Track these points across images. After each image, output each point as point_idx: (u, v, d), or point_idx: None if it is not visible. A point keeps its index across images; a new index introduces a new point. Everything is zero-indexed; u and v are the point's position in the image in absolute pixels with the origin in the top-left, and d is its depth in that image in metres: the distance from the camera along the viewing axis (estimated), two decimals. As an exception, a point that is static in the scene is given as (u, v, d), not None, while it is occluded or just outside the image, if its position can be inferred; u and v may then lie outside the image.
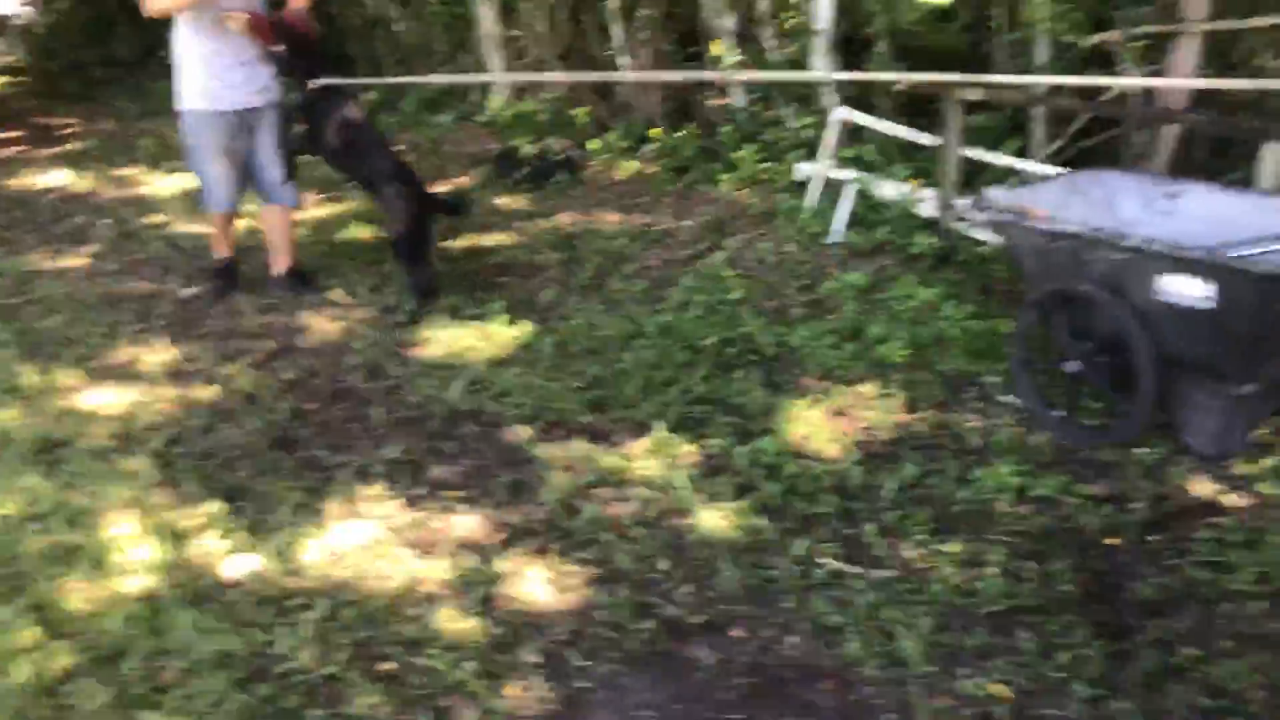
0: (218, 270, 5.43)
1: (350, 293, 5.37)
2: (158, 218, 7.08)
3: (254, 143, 5.06)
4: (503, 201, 6.92)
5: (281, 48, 4.87)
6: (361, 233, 6.36)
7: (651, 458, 3.70)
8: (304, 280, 5.38)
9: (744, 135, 6.58)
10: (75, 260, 6.24)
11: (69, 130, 10.48)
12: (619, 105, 7.77)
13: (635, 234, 6.03)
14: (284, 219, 5.32)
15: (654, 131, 6.84)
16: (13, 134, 10.44)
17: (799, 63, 6.40)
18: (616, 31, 7.53)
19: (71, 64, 12.95)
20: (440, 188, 7.15)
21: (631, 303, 5.11)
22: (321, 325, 5.08)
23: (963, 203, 4.62)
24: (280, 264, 5.39)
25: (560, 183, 7.03)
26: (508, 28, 8.43)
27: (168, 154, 8.75)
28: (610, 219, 6.39)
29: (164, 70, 11.55)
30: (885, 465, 3.59)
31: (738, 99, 7.01)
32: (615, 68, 7.70)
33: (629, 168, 7.10)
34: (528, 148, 7.32)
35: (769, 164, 6.28)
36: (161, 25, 11.33)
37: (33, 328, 5.14)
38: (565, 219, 6.45)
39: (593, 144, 7.21)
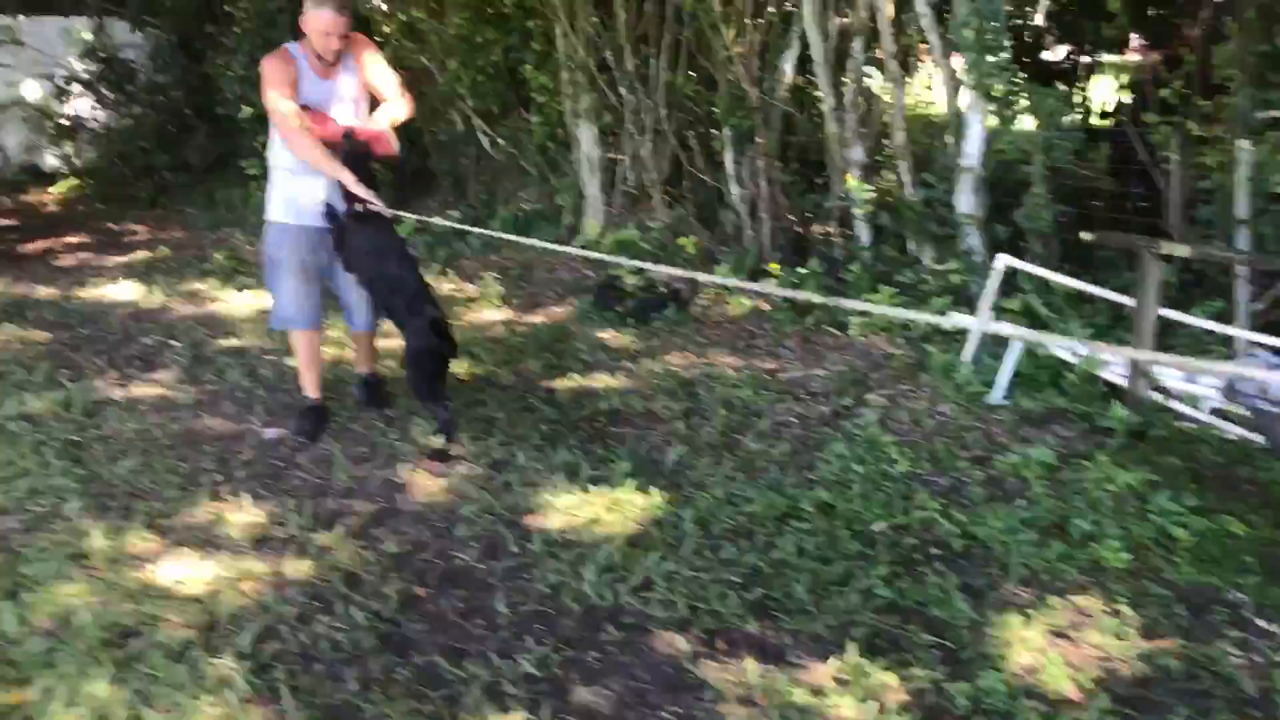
0: (305, 412, 5.00)
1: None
2: (234, 341, 6.58)
3: (337, 266, 4.78)
4: (606, 336, 6.38)
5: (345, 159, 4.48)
6: (458, 367, 5.79)
7: (845, 691, 3.03)
8: (378, 393, 5.19)
9: (875, 276, 6.01)
10: (147, 389, 5.71)
11: (138, 238, 10.13)
12: (728, 234, 7.24)
13: (760, 382, 5.46)
14: (365, 339, 5.16)
15: (773, 267, 6.28)
16: (80, 239, 10.11)
17: (943, 201, 5.84)
18: (727, 158, 7.04)
19: (143, 169, 12.71)
20: (535, 318, 6.65)
21: (775, 468, 4.49)
22: (424, 483, 4.49)
23: (1192, 383, 3.98)
24: (362, 367, 5.26)
25: (668, 318, 6.48)
26: (608, 150, 7.98)
27: (242, 268, 8.35)
28: (728, 363, 5.82)
29: (238, 178, 11.42)
30: (1145, 717, 2.89)
31: (864, 235, 6.47)
32: (724, 196, 7.21)
33: (743, 305, 6.54)
34: (631, 278, 6.78)
35: (908, 308, 5.68)
36: (236, 133, 11.19)
37: (101, 474, 4.57)
38: (677, 360, 5.89)
39: (703, 278, 6.64)
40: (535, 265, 8.02)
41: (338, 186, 4.48)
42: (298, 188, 4.60)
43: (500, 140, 8.90)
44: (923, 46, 6.44)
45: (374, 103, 4.71)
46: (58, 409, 5.34)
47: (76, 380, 5.84)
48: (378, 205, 4.49)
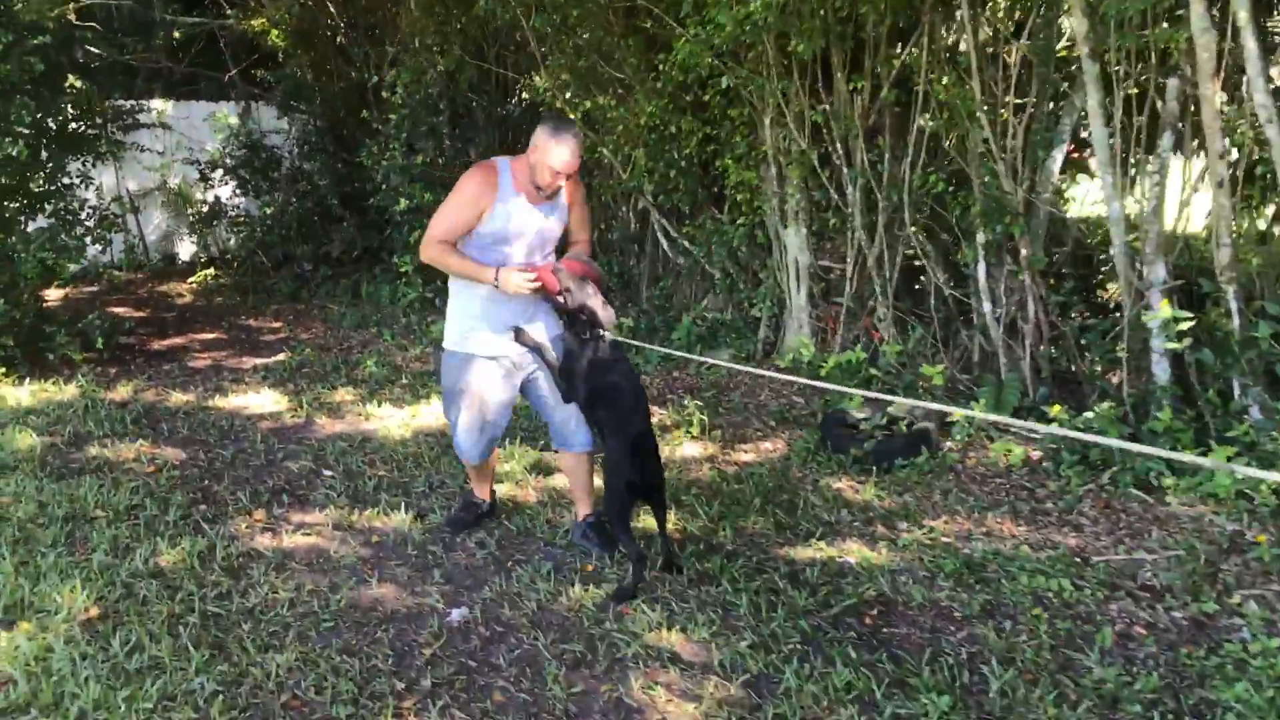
0: (467, 506, 4.85)
1: (682, 631, 3.65)
2: (393, 472, 5.57)
3: (538, 386, 4.38)
4: (842, 487, 5.20)
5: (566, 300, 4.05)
6: (693, 523, 4.68)
7: None
8: (604, 535, 4.51)
9: (1196, 428, 4.73)
10: (300, 539, 4.71)
11: (278, 336, 9.33)
12: (973, 363, 6.04)
13: (1071, 567, 4.20)
14: (582, 464, 4.53)
15: (1054, 408, 5.03)
16: (217, 336, 9.36)
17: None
18: (979, 270, 5.87)
19: (283, 259, 12.08)
20: (744, 455, 5.51)
21: (1147, 712, 3.22)
22: (667, 708, 3.32)
23: None
24: (581, 510, 4.61)
25: (917, 466, 5.28)
26: (820, 255, 6.88)
27: (393, 377, 7.41)
28: (1015, 534, 4.59)
29: (386, 274, 10.64)
30: None
31: (1161, 374, 5.20)
32: (971, 316, 6.02)
33: (1012, 452, 5.30)
34: (859, 412, 5.60)
35: (1247, 467, 4.38)
36: (385, 226, 10.42)
37: (251, 673, 3.52)
38: (946, 526, 4.68)
39: (957, 414, 5.44)
40: (729, 387, 6.91)
41: (542, 313, 4.19)
42: (488, 317, 4.21)
43: (685, 242, 7.87)
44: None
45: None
46: (195, 563, 4.36)
47: (217, 521, 4.87)
48: (606, 328, 4.05)
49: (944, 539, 4.57)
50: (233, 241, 12.37)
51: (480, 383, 4.26)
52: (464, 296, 4.23)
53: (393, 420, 6.56)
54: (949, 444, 5.60)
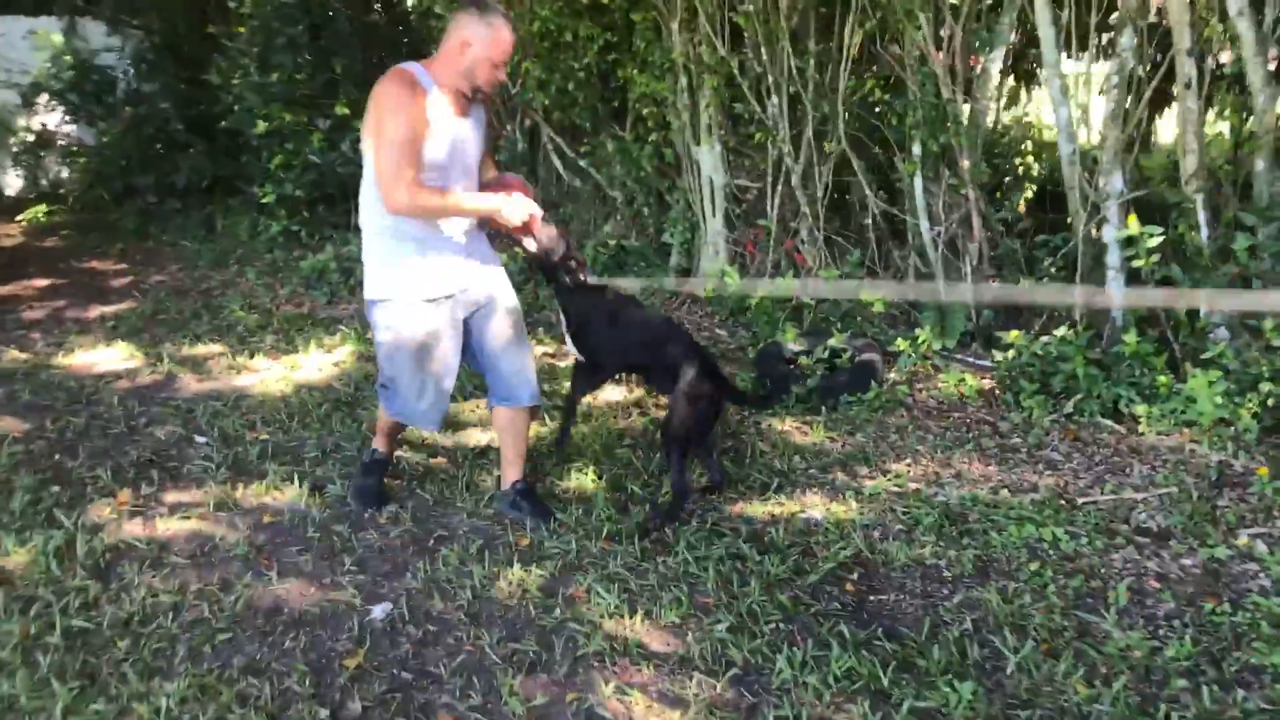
0: (370, 467, 4.09)
1: (647, 616, 3.15)
2: (277, 435, 4.87)
3: (484, 330, 3.71)
4: (790, 430, 4.72)
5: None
6: (634, 481, 4.14)
7: None
8: (537, 502, 3.96)
9: (1155, 343, 4.41)
10: (179, 524, 4.01)
11: (126, 280, 8.33)
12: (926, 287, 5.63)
13: (1060, 511, 3.82)
14: (522, 420, 3.89)
15: (1014, 335, 4.64)
16: (53, 283, 8.31)
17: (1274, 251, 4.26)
18: (916, 185, 5.41)
19: (124, 192, 10.93)
20: None
21: (1192, 685, 2.86)
22: (643, 714, 2.82)
23: None
24: (510, 474, 3.97)
25: (866, 402, 4.83)
26: (734, 174, 6.33)
27: (263, 323, 6.62)
28: (986, 476, 4.20)
29: (246, 205, 9.64)
30: None
31: (1117, 288, 4.86)
32: (902, 234, 5.59)
33: (963, 383, 4.91)
34: (798, 344, 5.13)
35: (1240, 400, 4.09)
36: (241, 151, 9.44)
37: (134, 709, 2.86)
38: (911, 470, 4.26)
39: (900, 344, 5.02)
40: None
41: (477, 257, 3.62)
42: (433, 250, 3.48)
43: (583, 163, 7.21)
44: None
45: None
46: (52, 564, 3.63)
47: (74, 507, 4.12)
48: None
49: (913, 485, 4.15)
50: (66, 174, 11.10)
51: (428, 332, 3.55)
52: (390, 237, 3.45)
53: (270, 374, 5.81)
54: (893, 375, 5.16)
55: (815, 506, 4.03)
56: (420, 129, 3.21)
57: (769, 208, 6.16)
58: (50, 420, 5.20)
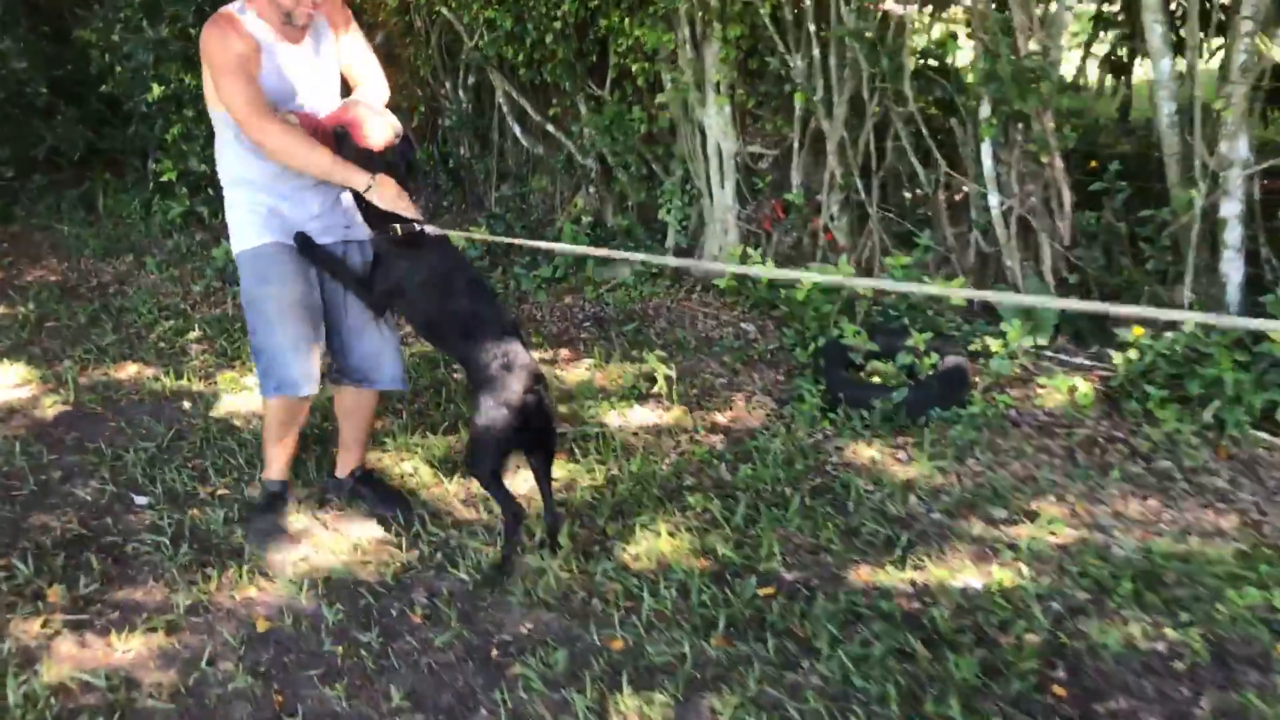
0: (271, 500, 3.61)
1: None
2: (239, 486, 3.85)
3: (340, 300, 3.43)
4: (877, 456, 3.89)
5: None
6: (713, 535, 3.27)
7: None
8: (385, 488, 3.73)
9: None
10: (140, 641, 3.01)
11: (-4, 276, 6.98)
12: (980, 268, 4.84)
13: (1274, 565, 3.10)
14: (371, 403, 3.65)
15: (1137, 332, 3.90)
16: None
17: None
18: (985, 153, 4.61)
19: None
20: (721, 417, 4.13)
21: None
22: None
23: None
24: (349, 460, 3.73)
25: (962, 419, 4.03)
26: (748, 139, 5.42)
27: (181, 328, 5.50)
28: (1150, 513, 3.48)
29: (135, 183, 8.23)
30: None
31: (1234, 274, 4.16)
32: (974, 209, 4.79)
33: (1075, 390, 4.16)
34: (864, 344, 4.31)
35: None
36: (111, 117, 8.07)
37: None
38: (1055, 510, 3.49)
39: (992, 344, 4.24)
40: (648, 314, 5.43)
41: (328, 204, 3.37)
42: (279, 195, 3.31)
43: (551, 127, 6.21)
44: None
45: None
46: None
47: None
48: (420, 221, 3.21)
49: (1071, 532, 3.37)
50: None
51: (294, 280, 3.27)
52: (241, 185, 3.32)
53: (207, 398, 4.71)
54: (977, 380, 4.38)
55: (965, 570, 3.22)
56: (250, 63, 3.07)
57: (792, 179, 5.27)
58: (-69, 482, 4.04)
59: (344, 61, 3.37)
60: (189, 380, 4.99)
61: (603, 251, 3.47)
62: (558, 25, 5.59)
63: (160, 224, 7.48)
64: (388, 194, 3.11)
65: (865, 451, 3.97)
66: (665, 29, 5.28)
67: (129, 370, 5.19)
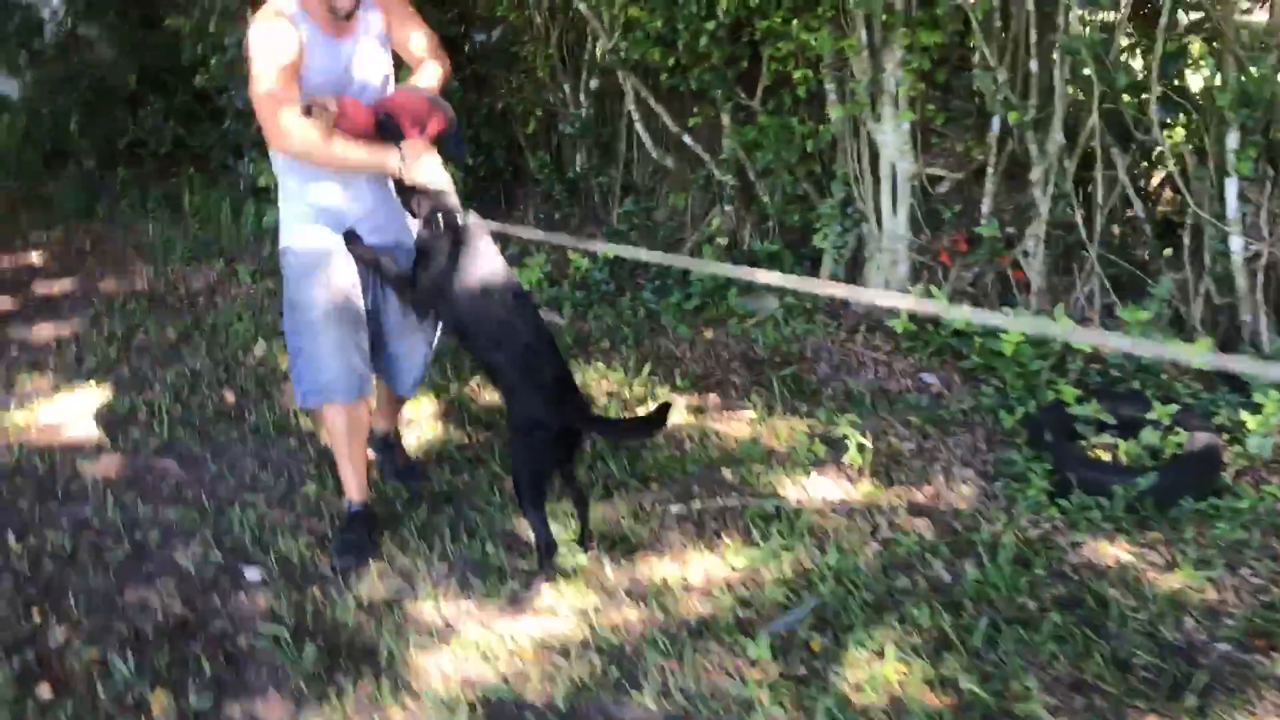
0: (351, 522, 3.41)
1: None
2: (389, 547, 3.27)
3: (381, 300, 3.33)
4: (1124, 557, 3.22)
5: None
6: (950, 664, 2.64)
7: None
8: (402, 458, 3.80)
9: None
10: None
11: (73, 282, 6.50)
12: (1210, 318, 4.14)
13: None
14: (399, 400, 3.72)
15: None
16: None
17: None
18: (1229, 188, 3.91)
19: (54, 154, 9.00)
20: (920, 496, 3.47)
21: None
22: None
23: None
24: (382, 425, 3.76)
25: (1218, 511, 3.34)
26: (927, 159, 4.76)
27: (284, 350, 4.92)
28: None
29: (226, 182, 7.67)
30: None
31: None
32: (1208, 254, 4.10)
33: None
34: (1092, 409, 3.63)
35: None
36: (203, 111, 7.55)
37: None
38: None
39: (1251, 421, 3.54)
40: (807, 357, 4.78)
41: (381, 199, 3.24)
42: (322, 194, 3.17)
43: (688, 138, 5.59)
44: None
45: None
46: None
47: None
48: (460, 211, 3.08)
49: None
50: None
51: (338, 280, 3.17)
52: (292, 174, 3.19)
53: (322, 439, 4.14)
54: (1232, 463, 3.68)
55: (1284, 728, 2.54)
56: (292, 57, 2.92)
57: (981, 206, 4.60)
58: (14, 537, 3.51)
59: (396, 43, 3.28)
60: (292, 416, 4.42)
61: (772, 276, 2.90)
62: (710, 26, 4.95)
63: (252, 228, 6.95)
64: (418, 160, 3.01)
65: (1109, 550, 3.30)
66: (839, 33, 4.62)
67: (227, 399, 4.64)
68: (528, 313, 3.12)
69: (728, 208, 5.70)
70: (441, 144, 3.09)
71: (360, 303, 3.23)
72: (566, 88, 6.47)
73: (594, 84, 6.32)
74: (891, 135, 4.73)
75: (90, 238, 7.49)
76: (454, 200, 3.12)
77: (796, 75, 4.93)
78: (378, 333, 3.36)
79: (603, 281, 5.59)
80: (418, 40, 3.28)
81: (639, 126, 5.95)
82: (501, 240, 3.43)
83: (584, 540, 3.29)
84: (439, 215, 3.05)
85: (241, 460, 4.09)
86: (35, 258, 7.01)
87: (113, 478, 3.99)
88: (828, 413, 4.12)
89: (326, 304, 3.15)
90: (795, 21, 4.79)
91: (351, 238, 3.17)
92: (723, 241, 5.57)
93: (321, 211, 3.19)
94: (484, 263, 3.08)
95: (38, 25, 8.66)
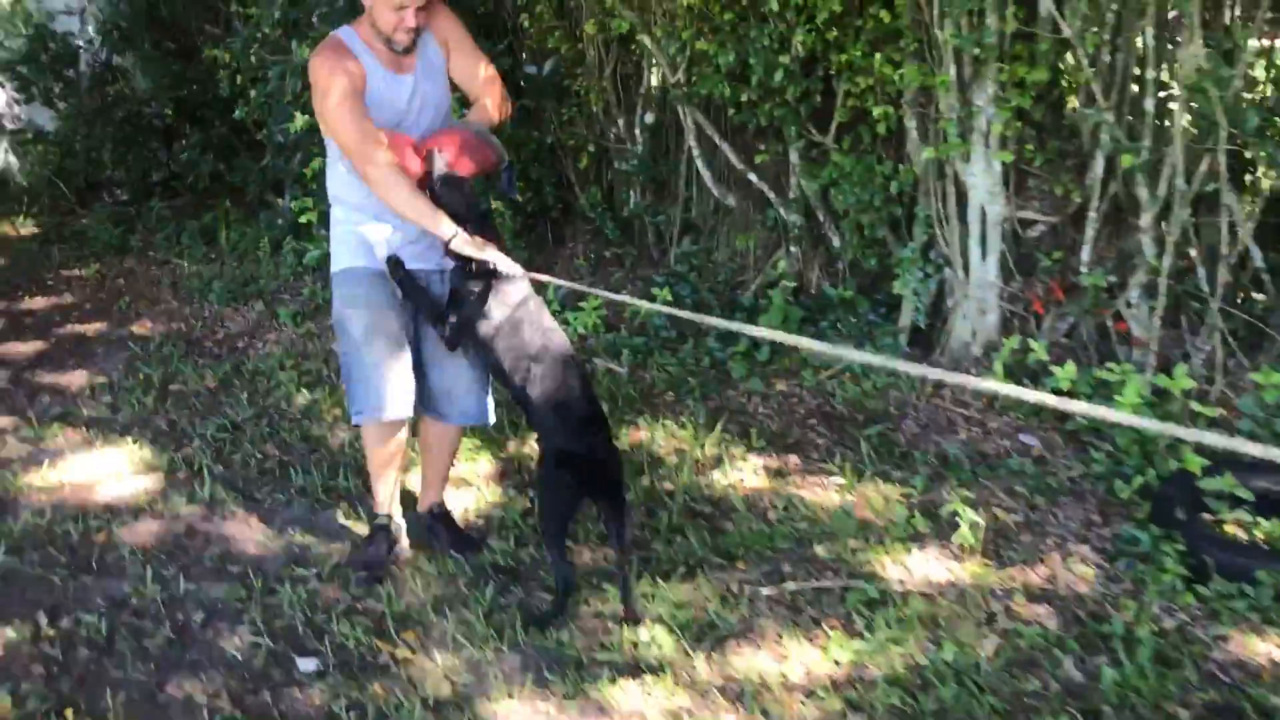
0: (374, 533, 3.46)
1: None
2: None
3: (420, 329, 3.33)
4: (1278, 657, 2.86)
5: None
6: None
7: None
8: (455, 530, 3.58)
9: None
10: None
11: (107, 322, 6.24)
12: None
13: None
14: (451, 439, 3.53)
15: None
16: (5, 323, 6.22)
17: None
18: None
19: (87, 185, 8.81)
20: (1035, 575, 3.13)
21: None
22: None
23: None
24: (429, 496, 3.60)
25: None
26: (1019, 202, 4.44)
27: (332, 401, 4.65)
28: None
29: (266, 218, 7.31)
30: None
31: None
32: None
33: None
34: (1227, 483, 3.28)
35: None
36: (237, 143, 7.30)
37: None
38: None
39: None
40: (891, 414, 4.45)
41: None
42: (374, 222, 3.21)
43: (753, 177, 5.29)
44: None
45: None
46: None
47: None
48: (508, 266, 3.05)
49: None
50: (16, 166, 8.88)
51: (387, 305, 3.24)
52: (347, 205, 3.27)
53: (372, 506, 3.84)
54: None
55: None
56: (359, 89, 3.00)
57: (1085, 252, 4.26)
58: (46, 618, 3.23)
59: (456, 77, 3.27)
60: (342, 477, 4.12)
61: (852, 354, 2.59)
62: (785, 61, 4.65)
63: (291, 266, 6.69)
64: (471, 246, 3.00)
65: (1259, 646, 2.95)
66: (926, 68, 4.31)
67: (270, 455, 4.36)
68: (559, 349, 3.12)
69: (794, 249, 5.39)
70: (492, 180, 3.12)
71: (403, 325, 3.26)
72: (620, 122, 6.19)
73: (649, 118, 6.04)
74: (982, 176, 4.41)
75: (124, 274, 7.27)
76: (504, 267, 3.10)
77: (876, 112, 4.63)
78: (418, 361, 3.35)
79: (662, 327, 5.27)
80: (478, 74, 3.28)
81: (699, 163, 5.65)
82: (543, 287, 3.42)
83: (626, 607, 3.12)
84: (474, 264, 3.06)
85: (289, 527, 3.79)
86: (68, 296, 6.76)
87: (151, 547, 3.70)
88: (924, 480, 3.77)
89: (370, 325, 3.21)
90: (877, 55, 4.48)
91: (395, 264, 3.16)
92: (790, 284, 5.25)
93: (366, 239, 3.24)
94: (516, 300, 3.09)
95: (73, 54, 8.47)
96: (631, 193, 6.26)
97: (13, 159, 8.84)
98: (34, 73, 8.36)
